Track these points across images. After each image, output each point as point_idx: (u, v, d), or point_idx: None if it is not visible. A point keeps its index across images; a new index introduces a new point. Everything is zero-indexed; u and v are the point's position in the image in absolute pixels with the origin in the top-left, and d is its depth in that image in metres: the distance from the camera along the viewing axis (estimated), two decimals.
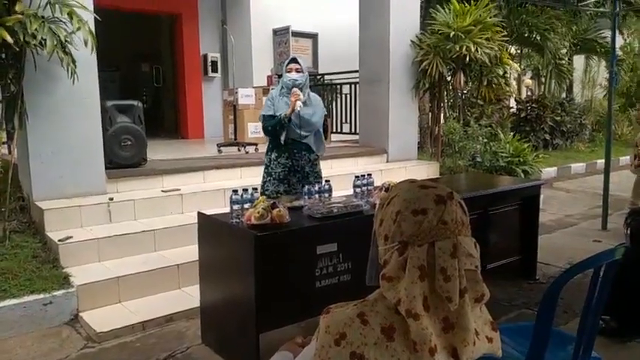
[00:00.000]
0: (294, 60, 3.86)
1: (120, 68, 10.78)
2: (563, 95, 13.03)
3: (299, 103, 3.68)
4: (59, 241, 3.81)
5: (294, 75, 3.77)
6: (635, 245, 3.09)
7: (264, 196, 3.00)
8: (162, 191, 4.78)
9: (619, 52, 12.85)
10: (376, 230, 1.13)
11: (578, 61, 13.73)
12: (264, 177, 3.92)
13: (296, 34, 9.72)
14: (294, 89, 3.73)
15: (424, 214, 1.04)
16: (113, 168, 4.81)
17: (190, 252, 3.67)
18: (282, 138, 3.77)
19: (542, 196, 4.61)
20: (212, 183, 5.22)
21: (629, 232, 3.23)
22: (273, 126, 3.75)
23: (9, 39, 3.58)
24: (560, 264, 4.39)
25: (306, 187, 3.28)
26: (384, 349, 0.98)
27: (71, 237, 3.89)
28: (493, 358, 1.09)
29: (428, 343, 0.97)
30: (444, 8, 7.11)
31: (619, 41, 13.64)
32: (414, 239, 1.02)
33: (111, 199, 4.40)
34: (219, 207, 4.24)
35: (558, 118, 11.22)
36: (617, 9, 5.76)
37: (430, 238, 1.02)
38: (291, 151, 3.83)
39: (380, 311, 1.02)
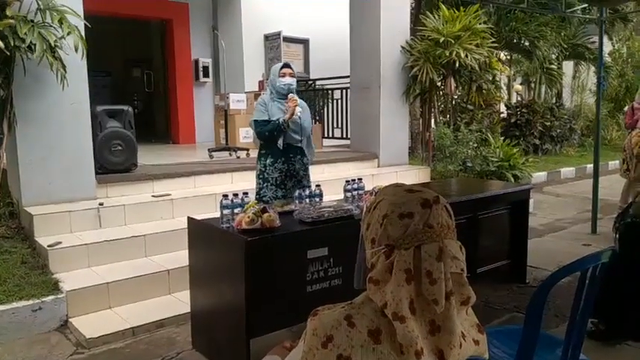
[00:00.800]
0: (287, 65, 3.86)
1: (111, 73, 10.76)
2: (553, 100, 13.14)
3: (298, 108, 3.69)
4: (48, 246, 3.79)
5: (288, 80, 3.76)
6: (624, 248, 3.12)
7: (262, 202, 3.00)
8: (153, 196, 4.76)
9: (608, 58, 12.99)
10: (363, 234, 1.14)
11: (568, 66, 13.86)
12: (259, 183, 3.86)
13: (287, 40, 9.74)
14: (292, 95, 3.73)
15: (410, 217, 1.05)
16: (103, 173, 4.80)
17: (181, 257, 3.65)
18: (280, 143, 3.76)
19: (532, 201, 4.65)
20: (203, 188, 5.21)
21: (617, 235, 3.25)
22: (270, 131, 3.72)
23: (0, 44, 3.57)
24: (551, 268, 4.40)
25: (297, 191, 3.28)
26: (371, 352, 0.99)
27: (60, 242, 3.87)
28: None
29: (414, 345, 0.97)
30: (433, 14, 7.16)
31: (608, 47, 13.79)
32: (401, 242, 1.03)
33: (101, 204, 4.38)
34: (211, 212, 4.22)
35: (548, 123, 11.31)
36: (604, 16, 5.83)
37: (416, 242, 1.03)
38: (287, 155, 3.83)
39: (367, 314, 1.02)
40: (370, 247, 1.10)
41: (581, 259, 1.66)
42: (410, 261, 1.02)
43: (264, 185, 3.83)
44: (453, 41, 6.71)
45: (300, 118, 3.72)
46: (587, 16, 8.88)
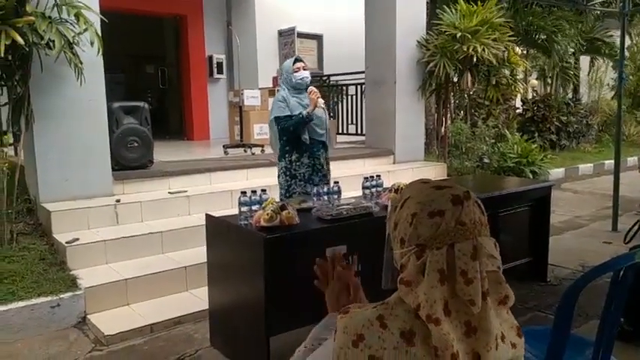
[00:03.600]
0: (298, 59, 3.82)
1: (125, 70, 10.79)
2: (570, 95, 12.94)
3: (321, 100, 3.69)
4: (66, 243, 3.80)
5: (303, 73, 3.74)
6: None
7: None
8: (169, 193, 4.77)
9: (626, 53, 12.74)
10: (391, 234, 1.10)
11: (585, 61, 13.65)
12: (287, 180, 3.79)
13: (301, 35, 9.70)
14: (312, 87, 3.74)
15: (441, 215, 1.00)
16: (120, 169, 4.81)
17: (198, 254, 3.65)
18: (306, 137, 3.72)
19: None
20: (219, 184, 5.21)
21: None
22: (295, 125, 3.67)
23: (20, 40, 3.55)
24: (571, 266, 4.34)
25: (315, 188, 3.24)
26: (404, 355, 0.95)
27: (78, 239, 3.88)
28: None
29: (450, 348, 0.93)
30: (450, 9, 7.07)
31: (627, 41, 13.55)
32: (432, 242, 0.99)
33: (118, 200, 4.39)
34: (226, 208, 4.22)
35: (564, 119, 11.13)
36: (627, 9, 5.71)
37: (449, 240, 0.99)
38: (312, 150, 3.80)
39: (399, 315, 0.99)
40: (399, 248, 1.05)
41: (615, 259, 1.60)
42: (443, 261, 0.98)
43: (292, 182, 3.77)
44: (469, 36, 6.63)
45: (324, 109, 3.72)
46: (609, 9, 8.71)
